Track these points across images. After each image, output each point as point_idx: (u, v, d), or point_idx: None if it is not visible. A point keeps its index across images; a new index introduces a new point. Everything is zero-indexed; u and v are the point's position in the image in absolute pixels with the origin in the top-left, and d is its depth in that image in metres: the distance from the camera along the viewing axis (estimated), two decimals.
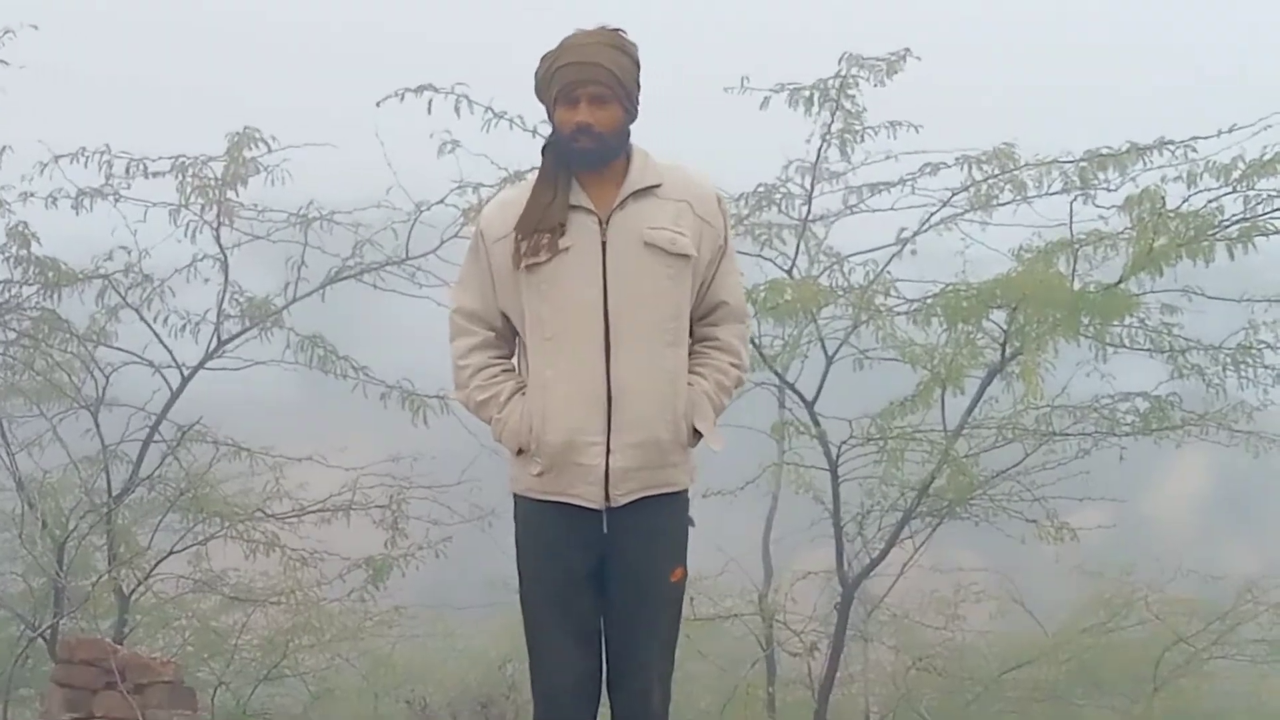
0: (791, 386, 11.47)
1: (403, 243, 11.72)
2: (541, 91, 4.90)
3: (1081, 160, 10.73)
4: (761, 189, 11.23)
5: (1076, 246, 10.60)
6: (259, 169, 11.41)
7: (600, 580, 5.00)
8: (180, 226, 11.48)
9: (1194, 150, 10.39)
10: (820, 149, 11.00)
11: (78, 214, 11.36)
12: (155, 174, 11.37)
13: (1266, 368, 11.23)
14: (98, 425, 12.17)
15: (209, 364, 12.04)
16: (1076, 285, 10.51)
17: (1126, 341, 11.11)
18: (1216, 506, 23.32)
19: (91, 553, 12.82)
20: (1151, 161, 10.54)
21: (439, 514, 12.70)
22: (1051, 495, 11.85)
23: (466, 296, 5.08)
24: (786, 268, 11.29)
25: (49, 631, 11.82)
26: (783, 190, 11.29)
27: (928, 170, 11.07)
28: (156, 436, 12.18)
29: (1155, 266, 10.10)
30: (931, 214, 11.34)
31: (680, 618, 5.18)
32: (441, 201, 11.31)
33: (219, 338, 11.95)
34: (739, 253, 10.71)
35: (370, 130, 10.71)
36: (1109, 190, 10.74)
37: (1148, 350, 11.24)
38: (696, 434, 4.95)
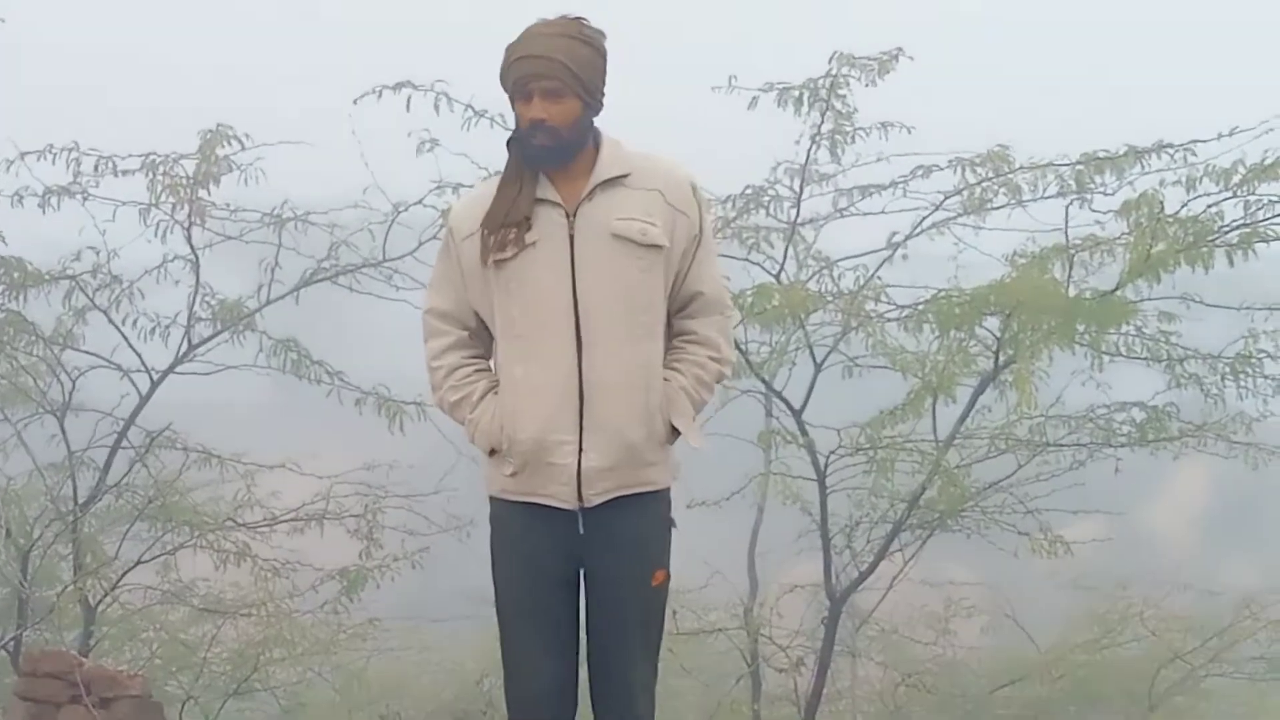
0: (779, 394, 11.46)
1: (380, 244, 11.70)
2: (503, 83, 4.91)
3: (1078, 163, 10.74)
4: (749, 191, 11.23)
5: (1072, 252, 10.61)
6: (232, 167, 11.39)
7: (578, 587, 5.01)
8: (150, 226, 11.46)
9: (1193, 154, 10.39)
10: (810, 150, 10.99)
11: (44, 213, 11.32)
12: (125, 172, 11.35)
13: (1266, 378, 11.22)
14: (64, 431, 12.16)
15: (179, 368, 12.01)
16: (1072, 292, 10.51)
17: (1123, 350, 11.13)
18: (1214, 520, 23.41)
19: (57, 562, 12.79)
20: (1149, 165, 10.55)
21: (415, 524, 12.70)
22: (1045, 507, 11.86)
23: (439, 296, 5.10)
24: (774, 272, 11.29)
25: (12, 643, 11.76)
26: (771, 193, 11.28)
27: (920, 173, 11.07)
28: (124, 443, 12.17)
29: (1153, 273, 10.10)
30: (924, 218, 11.34)
31: (664, 623, 5.18)
32: (420, 202, 11.30)
33: (189, 341, 11.92)
34: (725, 256, 10.88)
35: (347, 128, 10.70)
36: (1106, 194, 10.75)
37: (1145, 359, 11.25)
38: (675, 431, 4.94)
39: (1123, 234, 10.56)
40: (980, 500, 11.72)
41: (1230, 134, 10.14)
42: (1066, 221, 10.64)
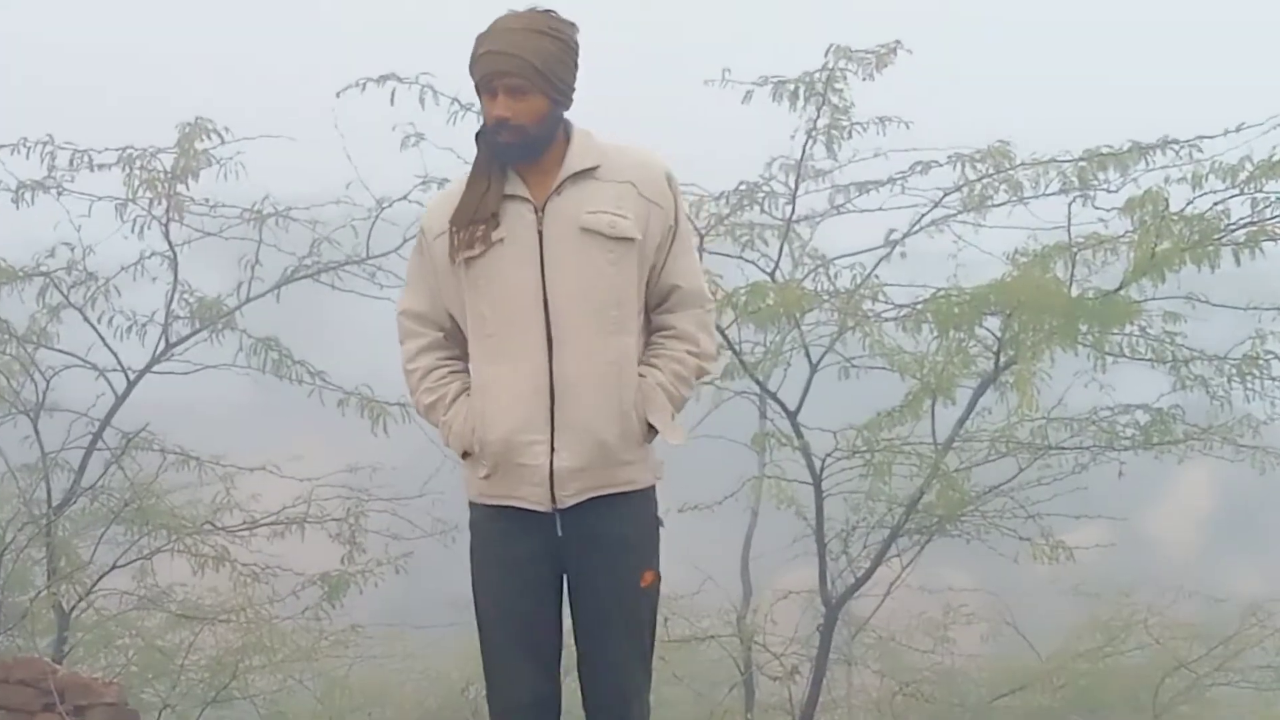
0: (773, 396, 11.46)
1: (363, 241, 11.69)
2: (471, 75, 4.91)
3: (1080, 159, 10.74)
4: (743, 187, 11.22)
5: (1075, 250, 10.61)
6: (211, 162, 11.39)
7: (560, 593, 5.00)
8: (127, 222, 11.47)
9: (1199, 150, 10.40)
10: (805, 146, 11.00)
11: (18, 208, 11.32)
12: (101, 166, 11.34)
13: (1274, 379, 11.21)
14: (37, 432, 12.14)
15: (156, 368, 12.00)
16: (1075, 291, 10.51)
17: (1127, 351, 11.12)
18: (1220, 525, 23.42)
19: (30, 567, 12.76)
20: (1154, 161, 10.56)
21: (399, 528, 12.69)
22: (1047, 512, 11.86)
23: (413, 297, 5.12)
24: (769, 270, 11.29)
25: None
26: (765, 189, 11.28)
27: (918, 169, 11.07)
28: (100, 444, 12.15)
29: (1158, 272, 10.10)
30: (922, 215, 11.35)
31: (655, 626, 5.16)
32: (405, 198, 11.28)
33: (167, 340, 11.91)
34: (719, 254, 10.88)
35: (329, 122, 10.70)
36: (1109, 191, 10.75)
37: (1149, 360, 11.24)
38: (654, 429, 4.94)
39: (1127, 232, 10.57)
40: (980, 504, 11.72)
41: (1237, 130, 10.14)
42: (1069, 219, 10.64)
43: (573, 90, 4.89)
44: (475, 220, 4.82)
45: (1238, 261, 10.18)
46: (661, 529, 5.14)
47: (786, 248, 11.53)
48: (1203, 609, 15.20)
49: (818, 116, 10.82)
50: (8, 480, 12.42)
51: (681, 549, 13.12)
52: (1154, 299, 10.79)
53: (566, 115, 4.93)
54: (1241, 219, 10.28)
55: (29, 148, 11.17)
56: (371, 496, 12.68)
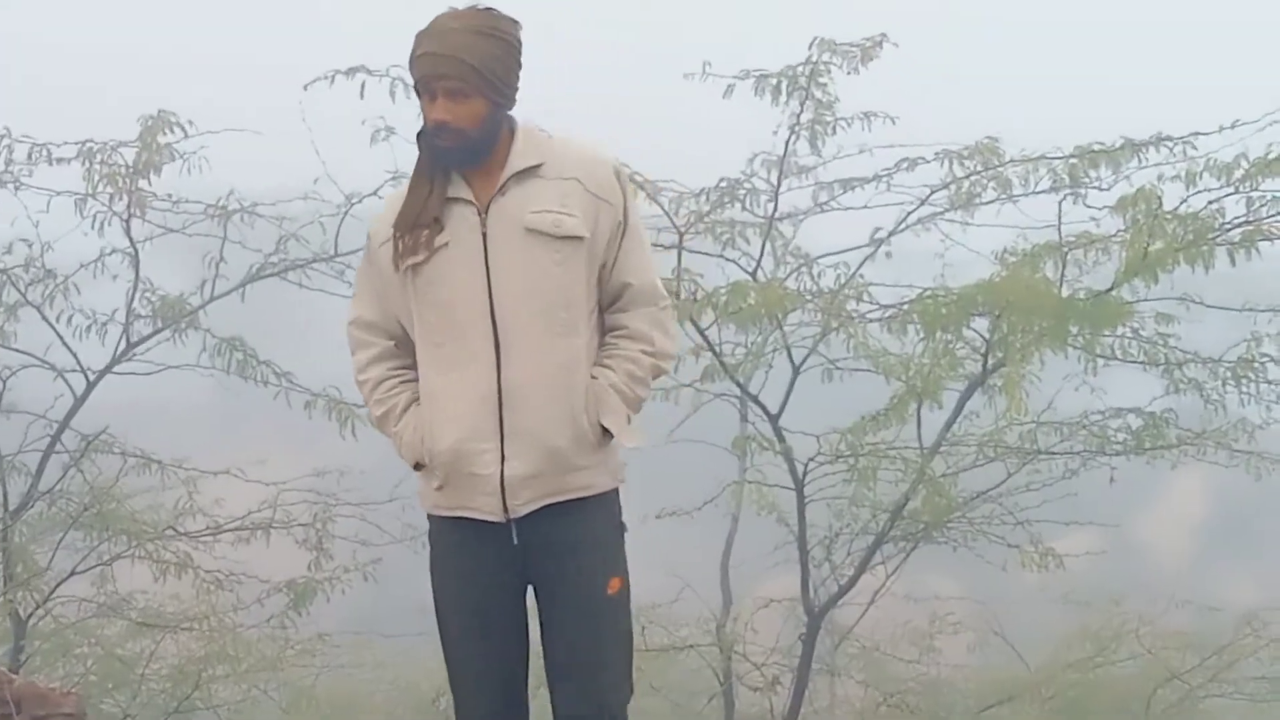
0: (754, 398, 11.46)
1: (331, 238, 11.70)
2: (411, 75, 4.90)
3: (1071, 156, 10.76)
4: (724, 184, 11.21)
5: (1065, 250, 10.63)
6: (174, 156, 11.40)
7: (523, 603, 5.00)
8: (87, 218, 11.45)
9: (1194, 147, 10.43)
10: (788, 141, 10.99)
11: None
12: (60, 160, 11.34)
13: (1269, 383, 11.25)
14: None
15: (117, 368, 11.99)
16: (1065, 292, 10.54)
17: (1118, 353, 11.14)
18: (1214, 532, 23.46)
19: None
20: (1147, 159, 10.59)
21: (368, 533, 12.69)
22: (1036, 519, 11.88)
23: (362, 306, 5.11)
24: (750, 269, 11.29)
25: None
26: (747, 186, 11.26)
27: (905, 165, 11.08)
28: (58, 446, 12.13)
29: (1150, 272, 10.12)
30: (908, 213, 11.37)
31: (630, 635, 5.14)
32: (375, 193, 11.26)
33: (128, 339, 11.90)
34: (699, 252, 10.87)
35: (297, 115, 10.68)
36: (1101, 189, 10.78)
37: (1141, 363, 11.26)
38: (609, 432, 4.92)
39: (1119, 231, 10.58)
40: (967, 511, 11.74)
41: (1233, 126, 10.16)
42: (1059, 218, 10.67)
43: (515, 90, 4.86)
44: (418, 225, 4.81)
45: (1233, 262, 10.20)
46: (626, 533, 5.12)
47: (768, 246, 11.52)
48: (1196, 618, 15.23)
49: (801, 111, 10.82)
50: None
51: (659, 556, 13.12)
52: (1146, 300, 10.84)
53: (515, 112, 4.91)
54: (1237, 218, 10.32)
55: None
56: (339, 501, 12.69)
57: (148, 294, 11.83)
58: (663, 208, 10.85)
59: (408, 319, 4.94)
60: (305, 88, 10.38)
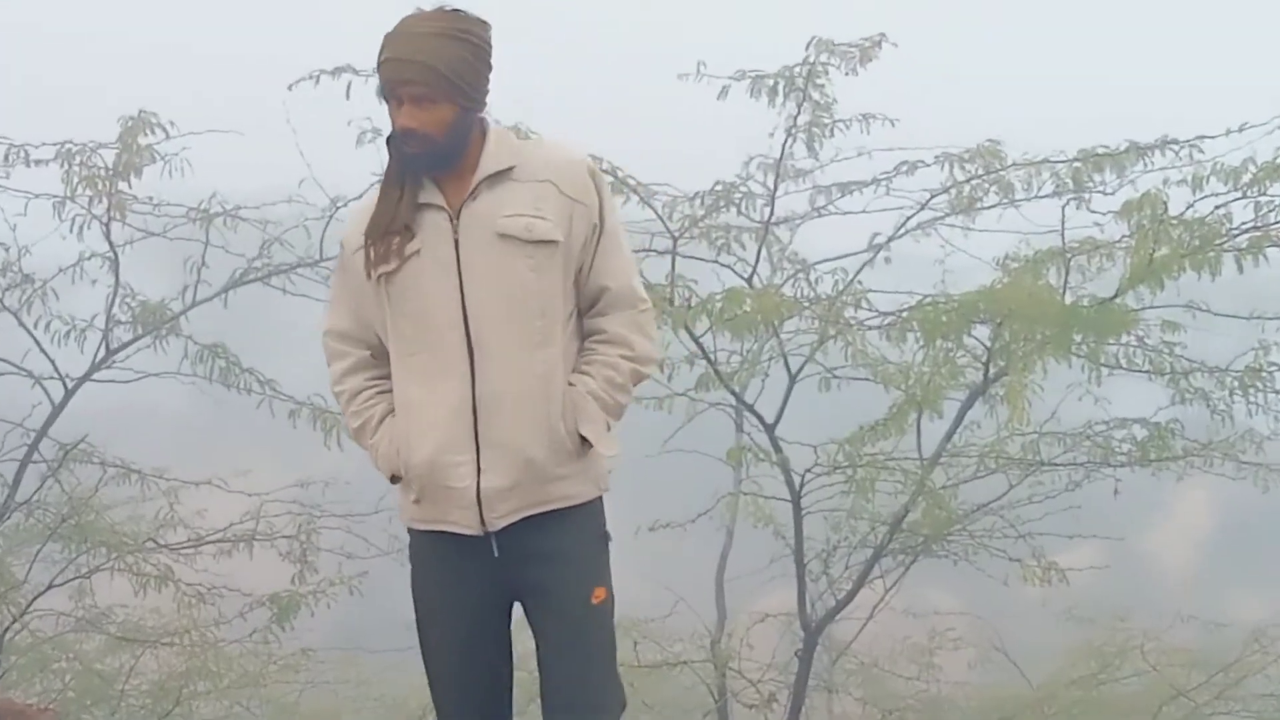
0: (750, 408, 11.47)
1: (316, 242, 11.65)
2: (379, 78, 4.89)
3: (1075, 160, 10.76)
4: (719, 188, 11.20)
5: (1069, 256, 10.62)
6: (155, 158, 11.35)
7: (507, 618, 4.99)
8: (65, 221, 11.41)
9: (1200, 150, 10.43)
10: (785, 144, 11.00)
11: None
12: (37, 162, 11.29)
13: (1278, 393, 11.25)
14: None
15: (96, 375, 11.95)
16: (1068, 299, 10.54)
17: (1123, 362, 11.14)
18: (1221, 546, 23.50)
19: None
20: (1153, 162, 10.59)
21: (353, 546, 12.68)
22: (1038, 532, 11.88)
23: (337, 316, 5.09)
24: (746, 275, 11.28)
25: None
26: (743, 189, 11.26)
27: (904, 169, 11.09)
28: (36, 456, 12.10)
29: (1156, 279, 10.12)
30: (908, 218, 11.37)
31: (614, 647, 5.13)
32: (360, 197, 11.22)
33: (108, 346, 11.87)
34: (693, 257, 10.86)
35: (281, 116, 10.67)
36: (1105, 194, 10.78)
37: (1147, 372, 11.27)
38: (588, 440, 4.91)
39: (1123, 237, 10.59)
40: (968, 523, 11.74)
41: (1240, 129, 10.16)
42: (1063, 223, 10.66)
43: (485, 93, 4.83)
44: (389, 232, 4.80)
45: (1240, 268, 10.20)
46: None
47: (764, 251, 11.54)
48: (1202, 634, 15.25)
49: (798, 113, 10.83)
50: None
51: (653, 569, 13.14)
52: (1152, 307, 10.82)
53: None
54: (1244, 223, 10.31)
55: None
56: (324, 513, 12.68)
57: (128, 299, 11.80)
58: (656, 212, 10.86)
59: (382, 328, 4.93)
60: (290, 88, 10.38)
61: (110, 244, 11.65)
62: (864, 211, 11.41)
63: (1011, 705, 15.20)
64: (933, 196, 11.24)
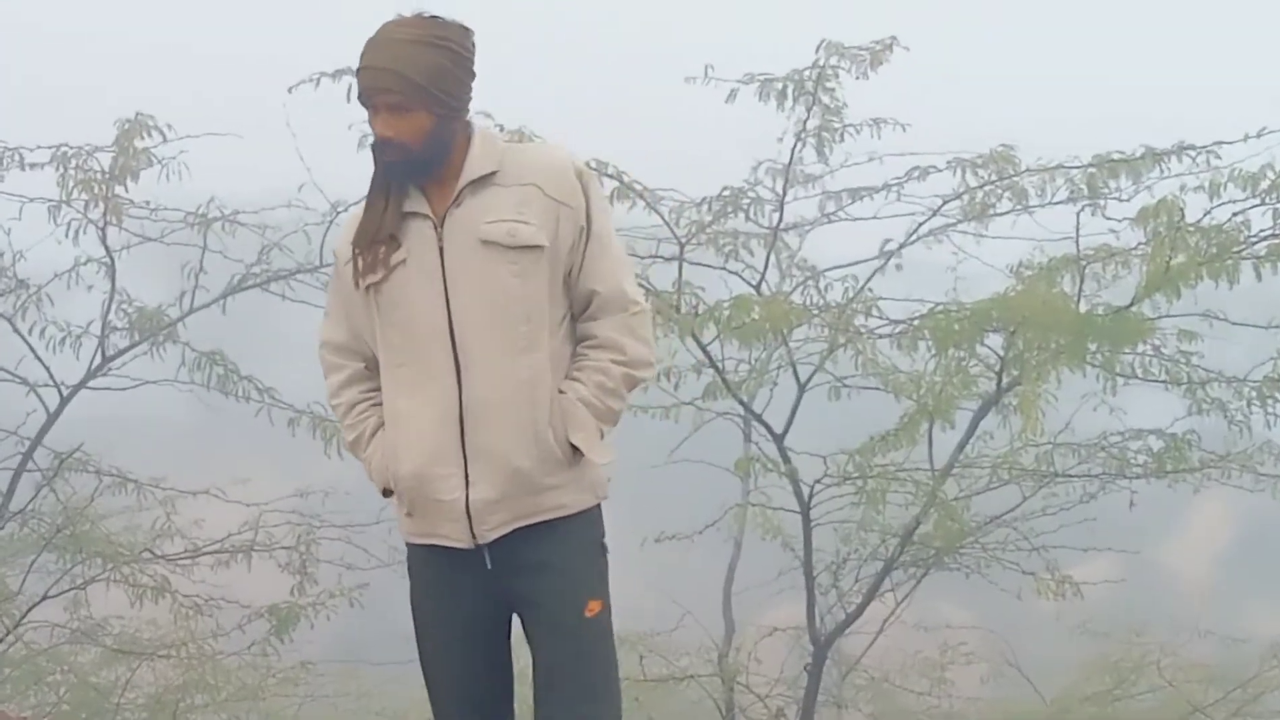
0: (758, 417, 11.45)
1: (316, 247, 11.64)
2: None
3: (1090, 166, 10.75)
4: (727, 193, 11.20)
5: (1084, 263, 10.62)
6: (152, 161, 11.37)
7: (505, 632, 4.98)
8: (61, 225, 11.42)
9: (1218, 156, 10.42)
10: (794, 149, 10.99)
11: None
12: (33, 165, 11.32)
13: None
14: None
15: (92, 383, 11.97)
16: (1083, 307, 10.53)
17: (1139, 372, 11.12)
18: (1238, 559, 23.46)
19: None
20: (1169, 168, 10.58)
21: (353, 557, 12.69)
22: (1052, 544, 11.88)
23: (332, 328, 5.08)
24: (754, 282, 11.28)
25: None
26: (751, 195, 11.26)
27: (916, 174, 11.08)
28: (30, 465, 12.11)
29: (1172, 287, 10.10)
30: (920, 224, 11.36)
31: (614, 662, 5.11)
32: (359, 202, 11.22)
33: (104, 353, 11.88)
34: (700, 264, 10.85)
35: (280, 119, 10.67)
36: (1121, 200, 10.77)
37: (1163, 382, 11.25)
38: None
39: (1139, 244, 10.58)
40: (981, 536, 11.74)
41: (1259, 135, 10.16)
42: (1077, 229, 10.67)
43: (465, 100, 4.80)
44: (375, 242, 4.79)
45: (1258, 276, 10.19)
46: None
47: (773, 258, 11.53)
48: (1219, 650, 15.23)
49: (808, 117, 10.82)
50: None
51: (659, 581, 13.12)
52: (1168, 316, 10.81)
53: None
54: (1263, 231, 10.31)
55: None
56: (324, 523, 12.68)
57: (124, 305, 11.81)
58: (663, 217, 10.86)
59: (373, 339, 4.93)
60: (290, 90, 10.38)
61: (107, 249, 11.66)
62: (875, 217, 11.41)
63: None
64: (945, 202, 11.23)
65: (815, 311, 11.28)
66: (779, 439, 11.37)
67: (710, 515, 11.95)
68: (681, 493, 12.72)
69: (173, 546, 12.63)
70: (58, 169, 11.31)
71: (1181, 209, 10.16)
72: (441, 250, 4.73)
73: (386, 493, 4.93)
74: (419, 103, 4.65)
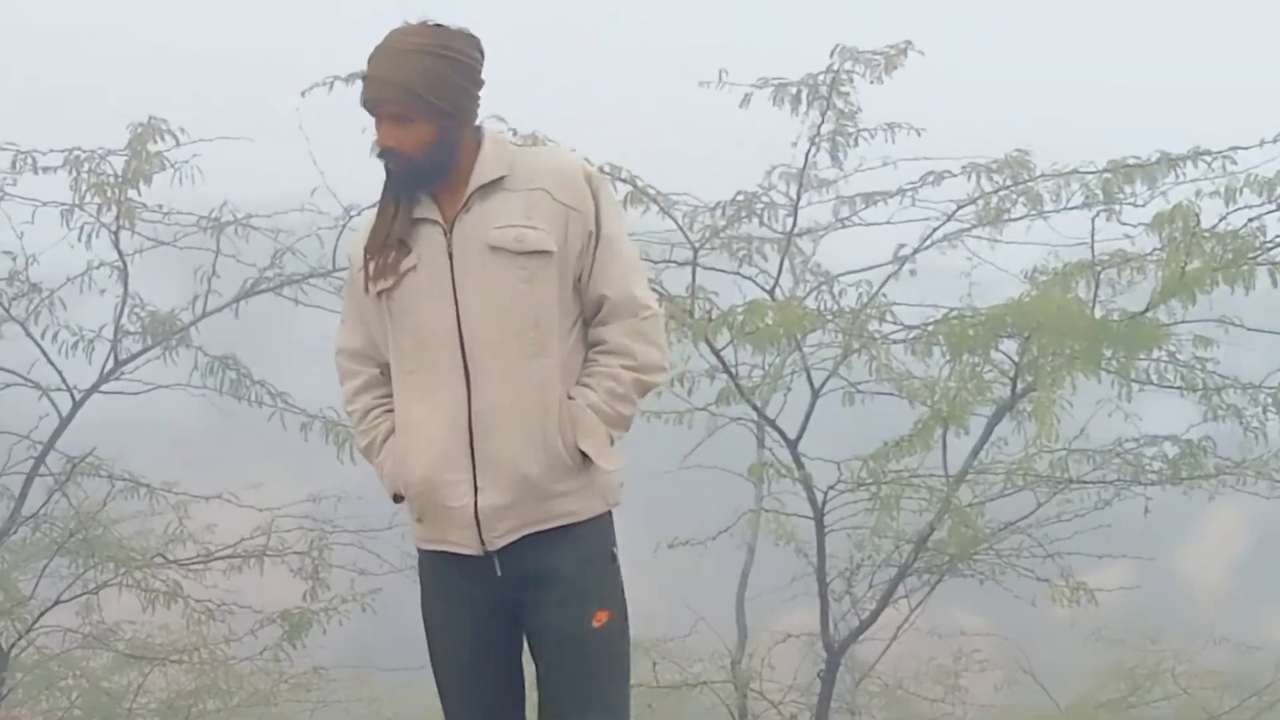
0: (772, 423, 11.45)
1: (329, 252, 11.65)
2: None
3: (1105, 171, 10.75)
4: (741, 198, 11.20)
5: (1098, 269, 10.62)
6: (165, 165, 11.37)
7: (517, 640, 4.98)
8: (74, 229, 11.43)
9: (1233, 161, 10.41)
10: (808, 153, 10.99)
11: None
12: (45, 169, 11.32)
13: None
14: None
15: (104, 387, 11.98)
16: (1098, 313, 10.53)
17: (1154, 378, 11.12)
18: (1254, 566, 23.38)
19: None
20: (1184, 173, 10.58)
21: (366, 562, 12.67)
22: (1067, 551, 11.86)
23: (348, 334, 5.08)
24: (768, 287, 11.28)
25: None
26: (765, 200, 11.27)
27: (930, 179, 11.08)
28: (42, 469, 12.12)
29: (1188, 293, 10.10)
30: (934, 229, 11.38)
31: (625, 672, 5.10)
32: (374, 205, 11.22)
33: (116, 357, 11.89)
34: (714, 269, 10.85)
35: (294, 123, 10.67)
36: (1136, 205, 10.77)
37: (1178, 388, 11.25)
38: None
39: (1154, 249, 10.58)
40: (995, 542, 11.72)
41: (1275, 140, 10.16)
42: (1092, 235, 10.66)
43: (469, 109, 4.80)
44: (385, 248, 4.81)
45: (1274, 282, 10.19)
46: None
47: (787, 263, 11.53)
48: (1235, 657, 15.19)
49: (822, 122, 10.82)
50: None
51: (672, 587, 13.12)
52: (1184, 322, 10.80)
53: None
54: (1278, 236, 10.29)
55: None
56: (336, 528, 12.67)
57: (137, 309, 11.82)
58: (677, 222, 10.85)
59: (385, 345, 4.94)
60: (303, 94, 10.40)
61: (119, 253, 11.66)
62: (889, 222, 11.41)
63: None
64: (959, 207, 11.24)
65: (829, 317, 11.28)
66: (792, 444, 11.37)
67: (723, 521, 11.95)
68: (695, 498, 12.72)
69: (185, 551, 12.64)
70: (70, 173, 11.30)
71: (1197, 214, 10.16)
72: (451, 256, 4.73)
73: (398, 498, 4.93)
74: (420, 113, 4.66)
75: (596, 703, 4.95)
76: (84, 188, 11.31)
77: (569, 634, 4.86)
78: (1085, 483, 11.59)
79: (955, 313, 10.75)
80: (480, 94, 4.83)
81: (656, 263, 10.73)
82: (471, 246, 4.72)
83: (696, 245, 10.86)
